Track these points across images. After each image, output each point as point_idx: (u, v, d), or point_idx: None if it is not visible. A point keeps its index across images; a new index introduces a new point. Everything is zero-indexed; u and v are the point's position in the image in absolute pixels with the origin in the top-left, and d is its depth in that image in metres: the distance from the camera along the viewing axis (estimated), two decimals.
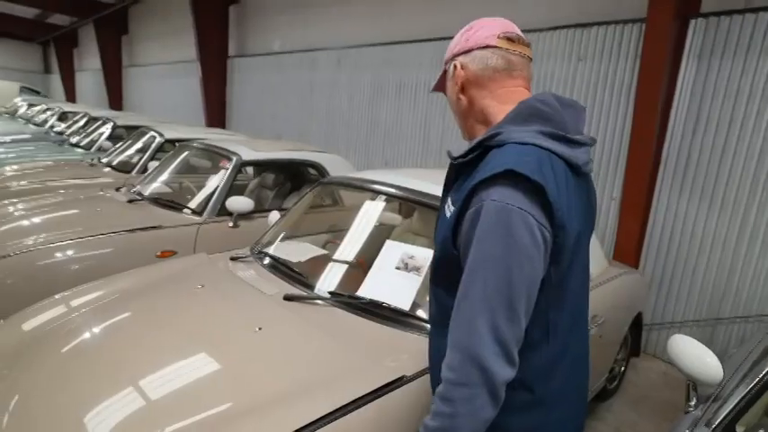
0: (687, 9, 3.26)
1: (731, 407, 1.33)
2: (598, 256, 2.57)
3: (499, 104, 0.99)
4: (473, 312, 0.84)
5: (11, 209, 3.07)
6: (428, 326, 1.61)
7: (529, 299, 0.86)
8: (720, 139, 3.23)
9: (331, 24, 6.78)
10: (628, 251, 3.56)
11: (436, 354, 1.05)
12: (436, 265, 1.02)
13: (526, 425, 0.96)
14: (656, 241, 3.59)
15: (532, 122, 0.92)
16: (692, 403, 1.46)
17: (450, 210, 0.96)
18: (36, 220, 2.86)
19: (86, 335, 1.62)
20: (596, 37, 3.84)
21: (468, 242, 0.87)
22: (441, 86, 1.13)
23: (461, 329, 0.85)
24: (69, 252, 2.52)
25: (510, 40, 1.00)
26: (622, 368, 3.04)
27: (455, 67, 1.02)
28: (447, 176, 1.08)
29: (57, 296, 1.92)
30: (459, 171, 1.02)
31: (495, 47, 0.99)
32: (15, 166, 4.68)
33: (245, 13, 8.60)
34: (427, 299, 1.71)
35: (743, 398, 1.35)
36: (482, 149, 0.93)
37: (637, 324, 2.95)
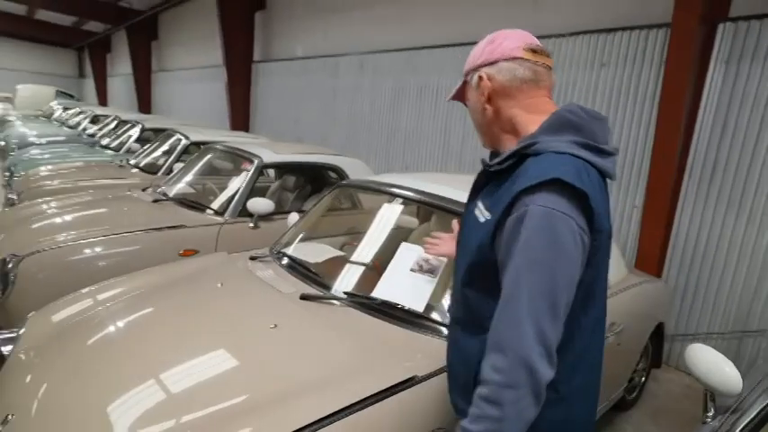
0: (715, 13, 3.20)
1: (749, 419, 1.30)
2: (617, 263, 2.53)
3: (527, 114, 1.03)
4: (520, 315, 0.87)
5: (44, 207, 3.22)
6: (442, 328, 1.63)
7: (568, 301, 0.90)
8: (749, 147, 3.15)
9: (354, 30, 6.87)
10: (650, 260, 3.49)
11: (458, 353, 1.10)
12: (469, 268, 1.04)
13: (554, 420, 0.98)
14: (681, 250, 3.50)
15: (565, 133, 0.96)
16: (710, 414, 1.43)
17: (483, 215, 1.01)
18: (67, 217, 2.99)
19: (111, 328, 1.69)
20: (620, 42, 3.79)
21: (511, 246, 0.90)
22: (460, 96, 1.16)
23: (509, 331, 0.87)
24: (97, 249, 2.62)
25: (534, 51, 1.03)
26: (643, 379, 2.98)
27: (480, 78, 1.06)
28: (476, 182, 1.13)
29: (84, 290, 2.00)
30: (490, 178, 1.06)
31: (522, 58, 1.02)
32: (50, 167, 4.89)
33: (271, 19, 8.77)
34: (441, 301, 1.74)
35: (762, 410, 1.31)
36: (518, 158, 0.97)
37: (658, 334, 2.89)
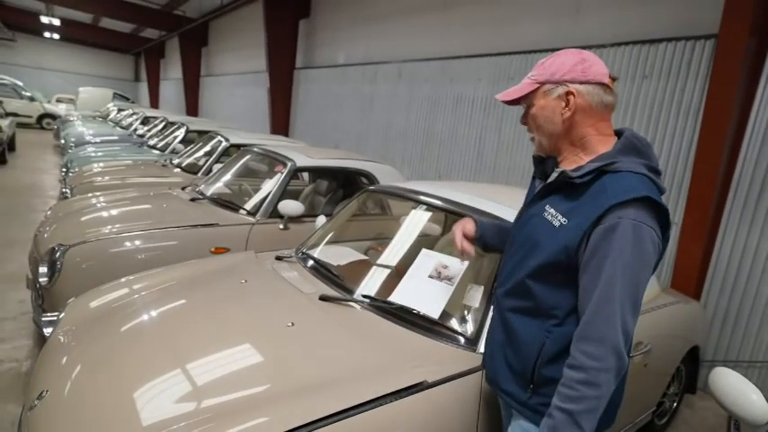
0: (767, 24, 3.05)
1: None
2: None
3: (599, 135, 1.17)
4: (615, 311, 1.02)
5: (93, 201, 3.44)
6: (457, 336, 1.63)
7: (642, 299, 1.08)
8: None
9: (393, 39, 6.95)
10: (688, 280, 3.33)
11: (514, 342, 1.24)
12: (543, 265, 1.16)
13: (618, 395, 1.22)
14: (723, 272, 3.33)
15: (632, 155, 1.12)
16: None
17: (558, 220, 1.14)
18: (112, 212, 3.18)
19: (142, 316, 1.79)
20: (663, 54, 3.66)
21: (602, 252, 1.04)
22: (524, 99, 1.23)
23: (605, 326, 1.03)
24: (137, 242, 2.77)
25: (614, 80, 1.18)
26: (675, 404, 2.84)
27: (570, 92, 1.15)
28: (543, 189, 1.24)
29: (122, 279, 2.13)
30: (559, 187, 1.18)
31: (608, 85, 1.16)
32: (101, 164, 5.22)
33: (314, 27, 9.02)
34: (459, 308, 1.74)
35: None
36: (597, 173, 1.11)
37: (693, 358, 2.76)
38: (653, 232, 1.04)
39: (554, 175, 1.23)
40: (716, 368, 1.42)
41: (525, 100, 1.23)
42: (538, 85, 1.19)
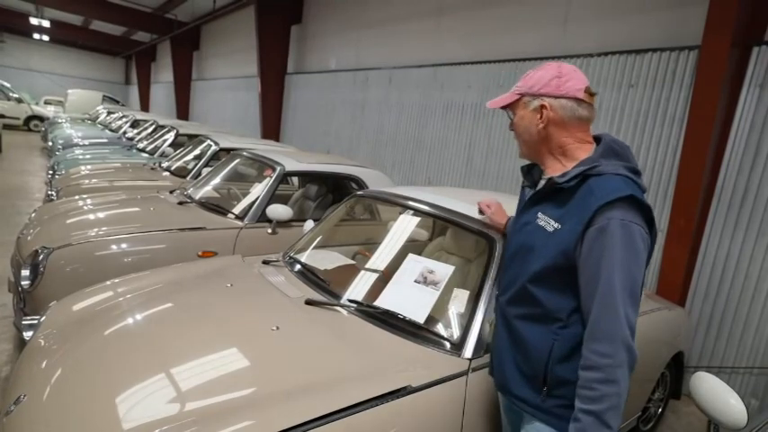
0: (749, 36, 3.12)
1: None
2: None
3: (577, 143, 1.24)
4: (617, 308, 1.07)
5: (80, 203, 3.40)
6: (442, 340, 1.63)
7: (640, 291, 1.13)
8: None
9: (384, 45, 7.00)
10: (672, 286, 3.37)
11: (522, 348, 1.26)
12: (543, 270, 1.19)
13: None
14: (707, 279, 3.37)
15: (613, 158, 1.18)
16: None
17: (552, 225, 1.19)
18: (98, 214, 3.14)
19: (125, 320, 1.76)
20: (649, 64, 3.73)
21: (596, 252, 1.09)
22: (508, 106, 1.32)
23: (610, 322, 1.07)
24: (123, 245, 2.74)
25: (591, 94, 1.24)
26: (659, 409, 2.86)
27: (543, 106, 1.23)
28: (533, 197, 1.29)
29: (107, 282, 2.10)
30: (549, 194, 1.23)
31: (583, 100, 1.22)
32: (90, 167, 5.16)
33: (306, 33, 9.04)
34: (444, 313, 1.74)
35: None
36: (582, 178, 1.16)
37: (678, 364, 2.78)
38: (641, 229, 1.09)
39: (542, 183, 1.29)
40: (696, 373, 1.44)
41: (510, 108, 1.32)
42: (518, 97, 1.28)
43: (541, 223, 1.22)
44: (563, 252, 1.15)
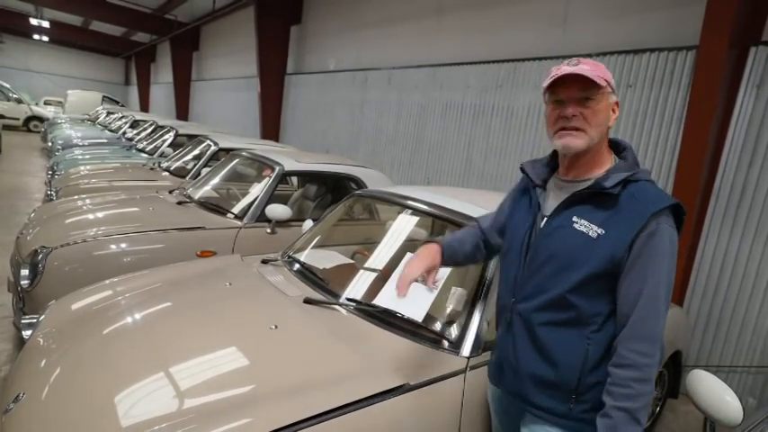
0: (747, 37, 3.13)
1: None
2: None
3: (607, 148, 1.25)
4: (661, 310, 1.11)
5: (79, 203, 3.40)
6: (440, 339, 1.64)
7: None
8: None
9: (384, 45, 7.00)
10: None
11: (549, 355, 1.21)
12: (588, 277, 1.15)
13: None
14: (704, 278, 3.38)
15: (637, 165, 1.21)
16: None
17: (594, 231, 1.14)
18: (98, 214, 3.15)
19: (124, 319, 1.76)
20: (647, 63, 3.74)
21: (641, 256, 1.11)
22: (590, 89, 1.15)
23: (655, 323, 1.11)
24: (122, 245, 2.75)
25: None
26: (657, 408, 2.87)
27: (617, 103, 1.21)
28: (567, 200, 1.21)
29: (105, 282, 2.11)
30: (584, 198, 1.18)
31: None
32: (89, 167, 5.17)
33: (305, 34, 9.05)
34: (443, 312, 1.75)
35: None
36: (624, 183, 1.16)
37: (675, 363, 2.79)
38: (677, 236, 1.15)
39: (583, 186, 1.20)
40: (693, 371, 1.44)
41: (590, 91, 1.15)
42: (605, 84, 1.15)
43: (581, 228, 1.16)
44: (611, 258, 1.12)
